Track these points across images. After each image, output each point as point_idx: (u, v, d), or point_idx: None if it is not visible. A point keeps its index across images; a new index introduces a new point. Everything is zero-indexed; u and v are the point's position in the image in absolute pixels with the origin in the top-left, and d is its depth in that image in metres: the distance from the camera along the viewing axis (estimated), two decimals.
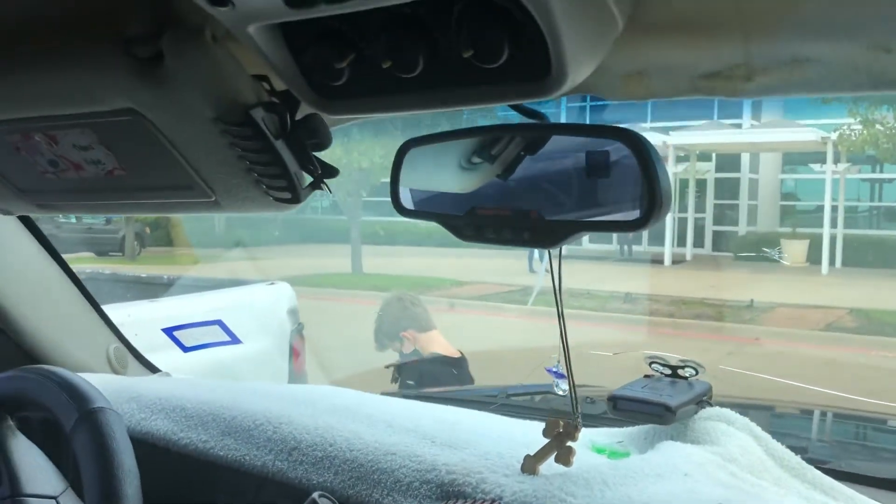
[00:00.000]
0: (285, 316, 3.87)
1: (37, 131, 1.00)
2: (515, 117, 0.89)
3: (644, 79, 0.76)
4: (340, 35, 0.75)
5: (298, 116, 0.89)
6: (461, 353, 3.48)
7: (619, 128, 0.79)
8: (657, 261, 14.94)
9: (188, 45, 0.81)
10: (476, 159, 0.95)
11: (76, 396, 1.10)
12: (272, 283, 4.13)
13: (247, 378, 3.17)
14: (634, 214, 0.78)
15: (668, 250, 15.31)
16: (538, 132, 0.93)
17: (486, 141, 0.94)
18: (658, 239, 15.18)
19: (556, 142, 0.92)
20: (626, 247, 16.39)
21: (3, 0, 0.87)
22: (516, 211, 0.91)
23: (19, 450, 1.20)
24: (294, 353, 3.76)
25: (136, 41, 0.85)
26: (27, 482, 1.16)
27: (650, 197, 0.77)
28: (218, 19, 0.73)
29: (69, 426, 1.08)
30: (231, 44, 0.83)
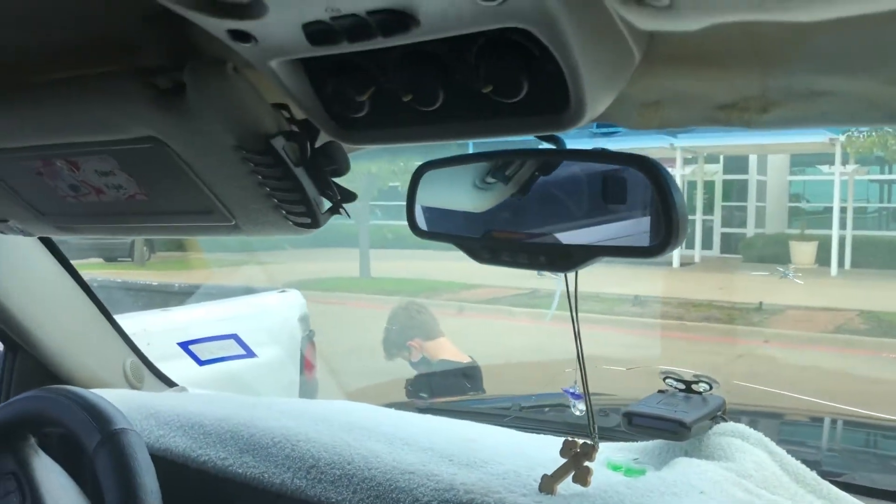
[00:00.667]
0: (296, 324, 3.89)
1: (59, 157, 1.01)
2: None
3: (660, 109, 0.77)
4: (361, 69, 0.76)
5: (318, 143, 0.90)
6: (472, 358, 3.49)
7: (635, 155, 0.80)
8: (665, 263, 14.91)
9: (210, 76, 0.82)
10: (490, 179, 0.96)
11: (98, 417, 1.11)
12: (283, 291, 4.15)
13: (259, 388, 3.19)
14: (651, 241, 0.79)
15: (676, 253, 15.28)
16: (553, 157, 0.94)
17: (501, 161, 0.95)
18: None
19: (573, 164, 0.93)
20: None
21: (27, 30, 0.89)
22: (532, 234, 0.92)
23: (42, 468, 1.21)
24: (305, 363, 3.78)
25: (158, 72, 0.86)
26: (49, 501, 1.18)
27: (667, 224, 0.77)
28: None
29: (91, 447, 1.10)
30: (251, 72, 0.84)
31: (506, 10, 0.60)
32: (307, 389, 3.77)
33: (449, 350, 3.55)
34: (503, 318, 10.59)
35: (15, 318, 1.53)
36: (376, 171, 12.54)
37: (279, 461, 1.23)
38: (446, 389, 3.16)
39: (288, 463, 1.22)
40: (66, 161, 1.01)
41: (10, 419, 1.22)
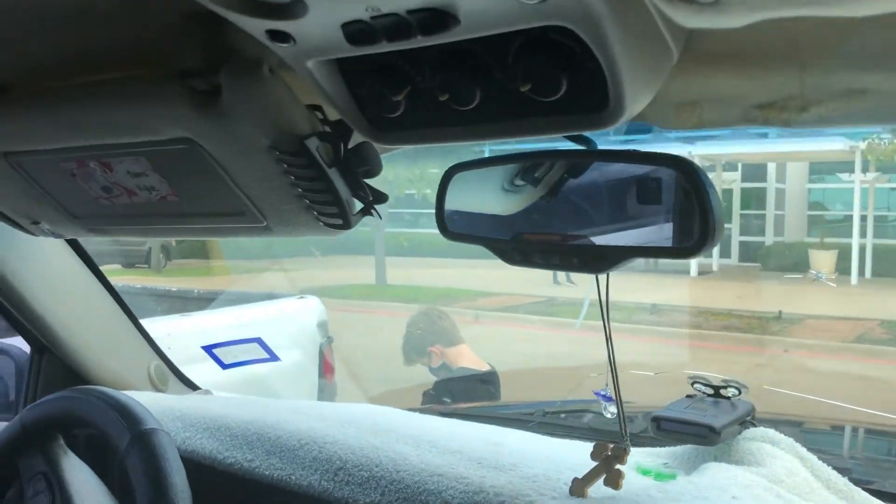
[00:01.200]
0: (315, 329, 3.90)
1: (92, 159, 1.02)
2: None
3: (697, 108, 0.77)
4: (397, 68, 0.76)
5: (351, 144, 0.91)
6: (490, 366, 3.49)
7: (670, 155, 0.80)
8: (683, 271, 14.84)
9: (246, 77, 0.83)
10: (520, 182, 0.96)
11: (128, 417, 1.12)
12: (302, 297, 4.16)
13: (281, 392, 3.21)
14: (687, 241, 0.79)
15: (694, 261, 15.19)
16: (585, 159, 0.94)
17: (530, 164, 0.95)
18: None
19: (604, 164, 0.93)
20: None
21: (67, 33, 0.90)
22: (564, 236, 0.92)
23: (71, 469, 1.22)
24: (325, 367, 3.79)
25: (194, 74, 0.87)
26: (79, 501, 1.19)
27: (703, 224, 0.77)
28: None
29: (122, 447, 1.11)
30: (285, 74, 0.85)
31: (547, 8, 0.60)
32: (327, 394, 3.78)
33: (469, 357, 3.55)
34: (520, 326, 10.57)
35: (43, 321, 1.55)
36: (392, 179, 12.58)
37: (306, 463, 1.24)
38: (467, 395, 3.16)
39: (315, 465, 1.23)
40: (100, 162, 1.02)
41: (40, 419, 1.24)
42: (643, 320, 10.42)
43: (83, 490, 1.20)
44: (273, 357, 2.90)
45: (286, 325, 3.79)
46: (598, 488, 1.04)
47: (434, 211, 0.98)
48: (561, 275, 12.66)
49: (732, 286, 13.77)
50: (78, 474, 1.22)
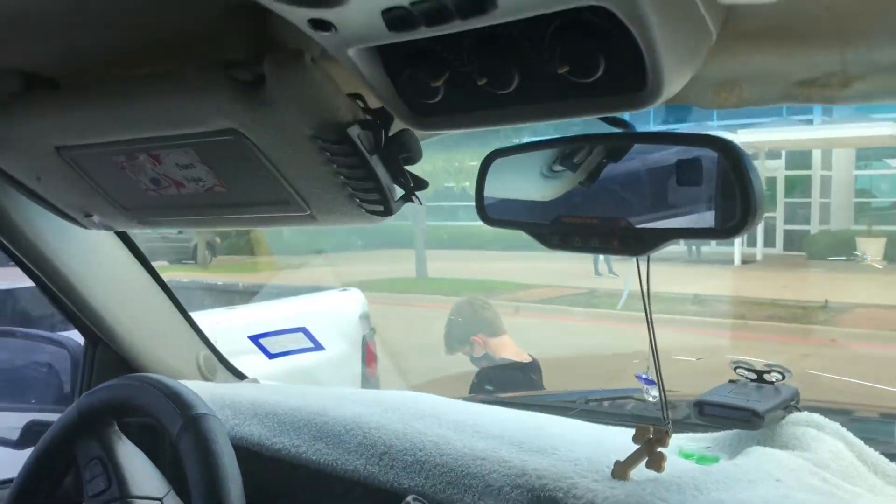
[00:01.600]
0: (357, 321, 3.94)
1: (141, 151, 1.05)
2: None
3: (737, 87, 0.76)
4: (435, 54, 0.77)
5: (392, 132, 0.92)
6: (532, 357, 3.48)
7: (709, 136, 0.80)
8: (727, 261, 14.62)
9: (289, 68, 0.85)
10: (558, 167, 0.96)
11: (180, 403, 1.15)
12: (345, 290, 4.21)
13: (325, 381, 3.25)
14: (728, 222, 0.79)
15: (737, 250, 14.96)
16: (623, 142, 0.94)
17: (568, 149, 0.95)
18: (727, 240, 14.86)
19: (642, 147, 0.93)
20: (694, 247, 16.09)
21: (114, 27, 0.92)
22: (604, 218, 0.92)
23: (126, 454, 1.26)
24: (368, 357, 3.82)
25: (238, 65, 0.89)
26: (133, 484, 1.22)
27: (744, 204, 0.77)
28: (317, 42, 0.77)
29: (174, 431, 1.13)
30: (327, 63, 0.86)
31: None
32: (370, 383, 3.82)
33: (511, 348, 3.55)
34: (561, 318, 10.52)
35: (96, 312, 1.59)
36: (432, 170, 12.61)
37: (352, 448, 1.26)
38: (510, 385, 3.16)
39: (361, 450, 1.24)
40: (149, 155, 1.05)
41: (95, 406, 1.27)
42: (685, 311, 10.29)
43: (137, 474, 1.24)
44: (318, 346, 2.93)
45: (329, 316, 3.83)
46: (640, 471, 1.04)
47: (473, 201, 0.99)
48: (602, 265, 12.57)
49: (777, 275, 13.53)
50: (132, 459, 1.25)
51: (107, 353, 1.65)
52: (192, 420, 1.13)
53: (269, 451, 1.34)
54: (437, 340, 3.92)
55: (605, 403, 1.79)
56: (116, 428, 1.29)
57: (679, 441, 1.23)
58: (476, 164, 0.99)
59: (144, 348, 1.65)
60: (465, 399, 1.60)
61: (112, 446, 1.26)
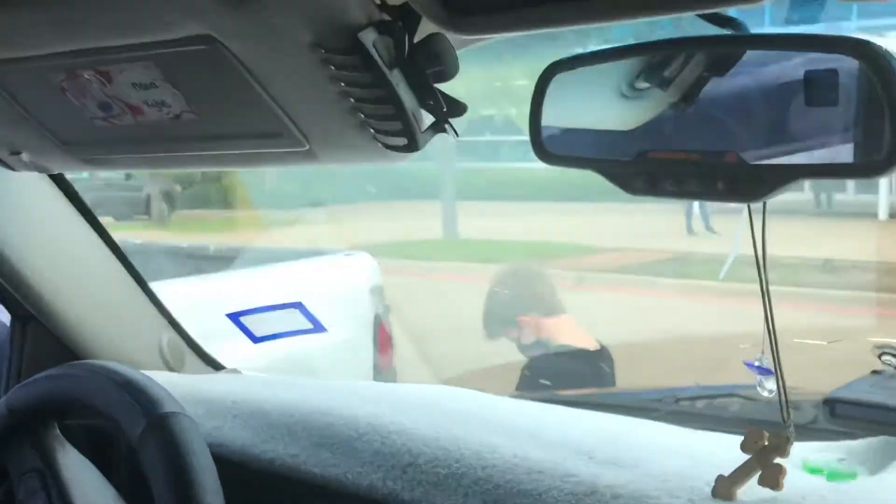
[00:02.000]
0: (368, 295, 3.95)
1: (87, 67, 1.06)
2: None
3: None
4: None
5: (417, 38, 0.92)
6: (601, 344, 3.48)
7: (851, 39, 0.79)
8: (868, 213, 14.43)
9: None
10: (643, 84, 0.96)
11: (142, 399, 1.17)
12: (349, 254, 4.22)
13: (327, 373, 3.27)
14: (874, 155, 0.79)
15: (883, 199, 14.74)
16: (730, 47, 0.93)
17: (657, 58, 0.95)
18: (869, 185, 14.65)
19: (756, 56, 0.93)
20: (823, 195, 15.89)
21: None
22: (706, 153, 0.92)
23: (69, 464, 1.29)
24: (381, 341, 3.83)
25: None
26: (80, 502, 1.26)
27: (893, 131, 0.77)
28: None
29: (135, 435, 1.15)
30: None
31: None
32: (384, 376, 3.84)
33: (572, 332, 3.54)
34: (641, 292, 10.49)
35: (25, 281, 1.60)
36: (464, 95, 12.48)
37: (366, 458, 1.28)
38: (571, 379, 3.17)
39: (377, 460, 1.27)
40: (97, 71, 1.06)
41: (30, 403, 1.29)
42: (812, 281, 10.21)
43: (85, 490, 1.27)
44: (317, 327, 2.94)
45: (331, 289, 3.84)
46: (752, 489, 1.05)
47: (528, 130, 0.99)
48: (697, 222, 12.45)
49: None
50: (79, 471, 1.29)
51: (41, 334, 1.68)
52: (158, 420, 1.14)
53: (257, 461, 1.37)
54: (473, 322, 3.92)
55: (701, 403, 1.81)
56: (58, 431, 1.32)
57: (803, 451, 1.24)
58: (527, 83, 0.99)
59: (91, 328, 1.68)
60: (514, 396, 1.62)
61: (52, 455, 1.29)
